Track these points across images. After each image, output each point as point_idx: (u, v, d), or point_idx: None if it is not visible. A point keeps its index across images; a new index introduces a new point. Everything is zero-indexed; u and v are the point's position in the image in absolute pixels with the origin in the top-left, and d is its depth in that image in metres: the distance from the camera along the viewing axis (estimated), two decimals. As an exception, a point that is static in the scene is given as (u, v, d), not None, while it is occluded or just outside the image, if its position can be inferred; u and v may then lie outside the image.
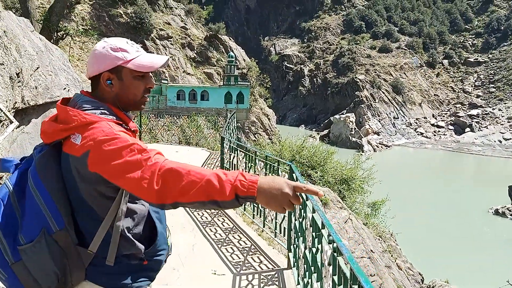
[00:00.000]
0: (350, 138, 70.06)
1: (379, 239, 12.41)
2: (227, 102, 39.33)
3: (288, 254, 3.86)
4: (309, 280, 2.75)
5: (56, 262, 1.55)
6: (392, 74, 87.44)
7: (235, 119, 12.24)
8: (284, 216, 4.13)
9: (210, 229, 4.84)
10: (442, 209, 37.77)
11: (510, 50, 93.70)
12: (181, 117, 16.71)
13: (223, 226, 5.05)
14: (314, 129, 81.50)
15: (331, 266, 2.03)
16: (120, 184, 1.49)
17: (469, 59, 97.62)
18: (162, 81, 40.15)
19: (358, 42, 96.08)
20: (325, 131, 75.47)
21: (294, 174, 3.56)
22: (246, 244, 4.41)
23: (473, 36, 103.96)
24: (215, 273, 3.69)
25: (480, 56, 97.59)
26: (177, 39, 47.65)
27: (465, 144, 74.11)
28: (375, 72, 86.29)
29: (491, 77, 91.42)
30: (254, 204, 5.08)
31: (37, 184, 1.59)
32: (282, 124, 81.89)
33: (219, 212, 5.66)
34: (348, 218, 10.59)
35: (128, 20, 44.56)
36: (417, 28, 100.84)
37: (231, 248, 4.29)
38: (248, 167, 5.32)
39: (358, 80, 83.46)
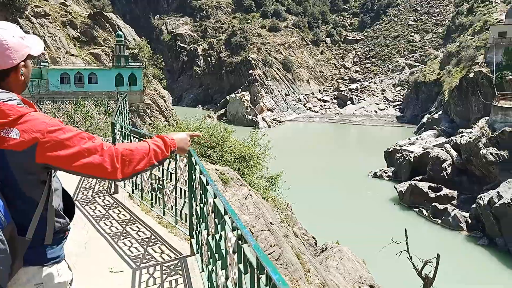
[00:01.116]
0: (246, 116, 71.72)
1: (277, 211, 13.04)
2: (118, 84, 36.97)
3: (190, 241, 3.75)
4: (214, 268, 2.67)
5: (10, 257, 1.58)
6: (282, 53, 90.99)
7: (127, 103, 11.47)
8: (185, 201, 3.97)
9: (104, 223, 4.45)
10: (330, 176, 40.89)
11: (382, 29, 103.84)
12: (66, 103, 15.27)
13: (119, 218, 4.71)
14: (211, 109, 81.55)
15: (236, 254, 1.99)
16: (76, 169, 1.64)
17: (348, 37, 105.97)
18: (42, 63, 36.03)
19: (249, 21, 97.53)
20: (222, 111, 76.08)
21: (192, 158, 3.43)
22: (146, 234, 4.16)
23: (351, 16, 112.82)
24: (112, 271, 3.40)
25: (357, 35, 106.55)
26: (56, 17, 43.06)
27: (347, 116, 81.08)
28: (266, 50, 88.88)
29: (367, 53, 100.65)
30: (152, 191, 4.82)
31: None
32: (178, 105, 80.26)
33: (114, 203, 5.30)
34: (248, 194, 10.84)
35: (-7, -6, 38.78)
36: (302, 8, 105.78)
37: (129, 241, 4.00)
38: None
39: (251, 59, 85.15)
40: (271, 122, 72.74)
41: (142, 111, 39.46)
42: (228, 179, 10.82)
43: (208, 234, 2.91)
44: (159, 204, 4.61)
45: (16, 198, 1.65)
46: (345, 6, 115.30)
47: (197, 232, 3.52)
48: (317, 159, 47.95)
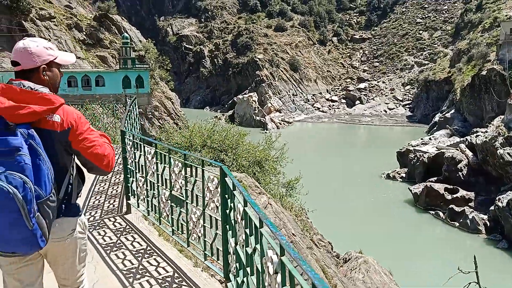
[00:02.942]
0: (254, 117, 70.95)
1: (297, 219, 12.30)
2: (125, 87, 36.40)
3: (226, 285, 2.94)
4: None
5: (56, 208, 2.19)
6: (288, 52, 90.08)
7: (136, 106, 10.74)
8: (217, 233, 3.20)
9: (116, 254, 3.69)
10: (341, 178, 40.04)
11: (389, 27, 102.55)
12: (73, 106, 14.59)
13: (134, 247, 3.92)
14: (219, 111, 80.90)
15: None
16: (87, 156, 2.28)
17: (355, 36, 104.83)
18: (48, 67, 35.52)
19: (254, 21, 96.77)
20: (230, 112, 75.34)
21: (229, 180, 2.67)
22: (167, 271, 3.37)
23: (357, 14, 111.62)
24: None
25: (364, 33, 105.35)
26: (61, 20, 42.65)
27: (356, 116, 79.99)
28: (273, 51, 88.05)
29: (375, 52, 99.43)
30: (172, 216, 4.06)
31: (44, 151, 2.11)
32: (186, 107, 79.75)
33: (127, 227, 4.54)
34: (267, 203, 10.10)
35: (-1, -2, 38.40)
36: (307, 7, 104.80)
37: (147, 281, 3.22)
38: (161, 169, 4.15)
39: (257, 59, 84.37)
40: (279, 123, 71.90)
41: (150, 113, 38.87)
42: (246, 187, 10.10)
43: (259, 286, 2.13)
44: (182, 232, 3.85)
45: (54, 166, 2.17)
46: (351, 5, 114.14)
47: (236, 276, 2.72)
48: (328, 160, 47.10)
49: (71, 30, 42.82)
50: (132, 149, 4.88)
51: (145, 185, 4.66)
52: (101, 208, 5.21)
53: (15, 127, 2.04)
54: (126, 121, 6.15)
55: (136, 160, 4.77)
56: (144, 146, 4.58)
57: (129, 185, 5.05)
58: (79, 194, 2.40)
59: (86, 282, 2.54)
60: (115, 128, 13.26)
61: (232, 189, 2.67)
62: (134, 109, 9.66)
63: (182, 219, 3.90)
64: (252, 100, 73.29)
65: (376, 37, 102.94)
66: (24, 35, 38.71)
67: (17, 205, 1.96)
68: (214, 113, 77.46)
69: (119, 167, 7.19)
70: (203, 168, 3.33)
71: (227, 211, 2.87)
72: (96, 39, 43.99)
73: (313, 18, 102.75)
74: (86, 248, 2.52)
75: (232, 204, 2.73)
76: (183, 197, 3.80)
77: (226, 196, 2.85)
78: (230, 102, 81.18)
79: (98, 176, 6.64)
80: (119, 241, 4.04)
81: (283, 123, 72.87)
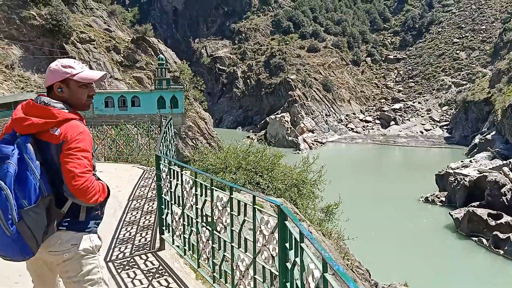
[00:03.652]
0: (287, 137, 70.32)
1: (338, 249, 11.46)
2: (160, 107, 36.86)
3: None
4: None
5: (45, 219, 2.15)
6: (321, 73, 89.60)
7: (172, 127, 10.35)
8: (274, 277, 2.50)
9: (148, 304, 3.10)
10: (378, 201, 38.58)
11: (425, 47, 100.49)
12: (109, 126, 14.53)
13: None
14: (251, 131, 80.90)
15: None
16: (63, 168, 2.19)
17: (389, 56, 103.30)
18: (86, 88, 36.54)
19: (287, 42, 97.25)
20: (262, 132, 75.11)
21: (287, 222, 2.05)
22: None
23: (392, 34, 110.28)
24: None
25: (399, 53, 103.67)
26: (100, 42, 44.12)
27: (391, 137, 77.90)
28: (306, 71, 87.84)
29: (410, 72, 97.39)
30: (213, 259, 3.38)
31: (34, 163, 2.14)
32: (219, 127, 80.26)
33: (160, 267, 3.93)
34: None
35: (43, 22, 40.27)
36: (341, 28, 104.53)
37: None
38: (202, 202, 3.51)
39: (290, 80, 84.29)
40: (312, 143, 70.87)
41: (183, 133, 39.06)
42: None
43: None
44: (225, 281, 3.18)
45: (59, 180, 2.21)
46: (385, 25, 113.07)
47: None
48: (362, 182, 45.61)
49: (109, 52, 44.16)
50: (168, 176, 4.29)
51: (181, 220, 4.03)
52: (131, 242, 4.64)
53: (18, 137, 2.18)
54: (161, 144, 5.63)
55: (172, 190, 4.19)
56: (181, 174, 3.94)
57: (163, 217, 4.45)
58: (97, 212, 2.38)
59: None
60: (149, 150, 12.97)
61: (299, 240, 2.05)
62: (170, 131, 9.24)
63: (226, 265, 3.26)
64: (285, 120, 72.83)
65: (411, 57, 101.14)
66: (65, 57, 40.23)
67: None
68: (246, 133, 77.46)
69: (152, 193, 6.72)
70: (255, 206, 2.72)
71: (289, 265, 2.24)
72: (133, 61, 45.12)
73: (346, 38, 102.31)
74: (99, 277, 2.34)
75: (297, 259, 2.09)
76: (228, 238, 3.17)
77: (287, 245, 2.22)
78: (262, 122, 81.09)
79: (130, 203, 6.19)
80: (150, 286, 3.46)
81: (316, 144, 71.80)
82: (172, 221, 4.28)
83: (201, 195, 3.48)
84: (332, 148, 70.99)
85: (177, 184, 4.11)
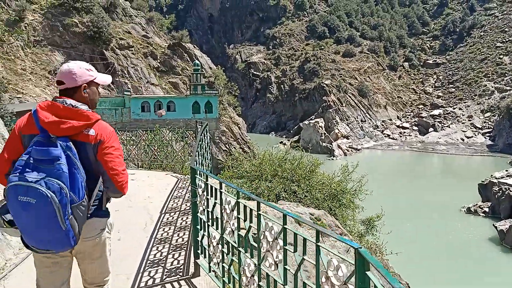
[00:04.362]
0: (321, 143, 69.09)
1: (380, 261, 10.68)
2: (195, 112, 36.98)
3: None
4: None
5: (87, 211, 2.40)
6: (357, 78, 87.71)
7: (207, 134, 9.90)
8: None
9: None
10: (417, 211, 37.02)
11: (466, 51, 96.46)
12: (145, 131, 14.38)
13: None
14: (284, 136, 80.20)
15: None
16: (107, 169, 2.41)
17: (428, 61, 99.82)
18: (125, 92, 37.26)
19: (322, 47, 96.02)
20: (295, 137, 74.24)
21: (371, 273, 1.50)
22: None
23: (431, 38, 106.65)
24: None
25: (438, 58, 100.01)
26: (138, 49, 44.98)
27: (429, 144, 74.98)
28: (341, 76, 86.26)
29: (450, 77, 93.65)
30: None
31: (79, 162, 2.33)
32: (252, 132, 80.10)
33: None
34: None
35: (85, 29, 41.51)
36: (377, 33, 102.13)
37: None
38: (246, 228, 2.92)
39: (324, 85, 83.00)
40: (347, 149, 69.28)
41: (217, 138, 39.00)
42: (325, 226, 8.81)
43: None
44: None
45: (88, 174, 2.38)
46: (424, 29, 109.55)
47: None
48: (400, 191, 43.90)
49: (147, 58, 44.92)
50: (205, 193, 3.74)
51: (219, 245, 3.45)
52: (163, 265, 4.10)
53: (56, 139, 2.30)
54: (197, 153, 5.11)
55: (210, 210, 3.64)
56: (221, 193, 3.31)
57: (199, 239, 3.90)
58: (109, 200, 2.61)
59: (110, 281, 2.72)
60: (183, 156, 12.65)
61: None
62: (206, 137, 8.78)
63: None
64: (319, 125, 71.65)
65: (452, 62, 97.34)
66: (104, 63, 41.21)
67: (54, 208, 2.18)
68: (279, 138, 76.84)
69: (186, 205, 6.26)
70: (318, 244, 2.11)
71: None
72: (169, 66, 45.67)
73: (383, 43, 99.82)
74: (111, 249, 2.73)
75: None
76: (280, 279, 2.47)
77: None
78: (295, 127, 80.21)
79: (162, 217, 5.75)
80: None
81: (351, 150, 70.13)
82: (208, 246, 3.70)
83: (244, 220, 2.93)
84: (367, 155, 69.09)
85: (215, 203, 3.56)
